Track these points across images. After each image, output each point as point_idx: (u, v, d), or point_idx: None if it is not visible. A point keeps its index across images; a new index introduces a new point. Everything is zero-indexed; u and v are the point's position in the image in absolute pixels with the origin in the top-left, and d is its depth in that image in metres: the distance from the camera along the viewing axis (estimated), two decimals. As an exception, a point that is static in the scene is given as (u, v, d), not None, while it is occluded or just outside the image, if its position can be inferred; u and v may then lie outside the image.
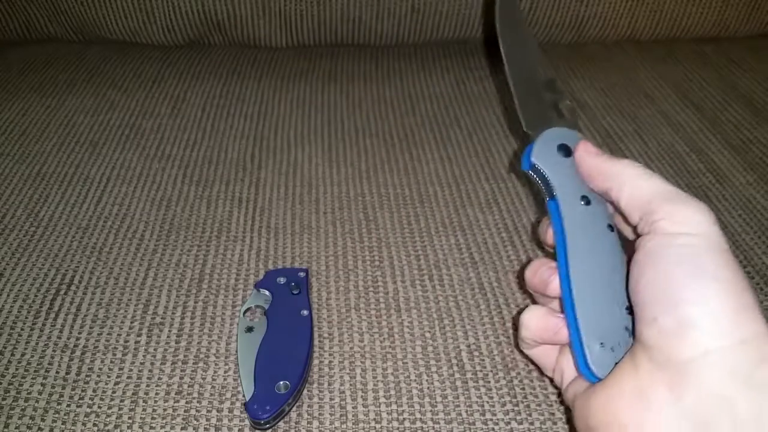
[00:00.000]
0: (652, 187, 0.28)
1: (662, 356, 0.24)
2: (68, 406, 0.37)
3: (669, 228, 0.26)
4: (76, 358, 0.39)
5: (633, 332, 0.28)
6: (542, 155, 0.32)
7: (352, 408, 0.37)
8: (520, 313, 0.34)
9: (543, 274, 0.32)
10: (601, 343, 0.28)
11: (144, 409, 0.36)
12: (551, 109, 0.35)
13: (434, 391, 0.38)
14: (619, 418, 0.25)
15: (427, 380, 0.38)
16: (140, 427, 0.36)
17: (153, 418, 0.36)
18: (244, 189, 0.55)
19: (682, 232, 0.26)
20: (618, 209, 0.30)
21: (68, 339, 0.41)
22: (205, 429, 0.35)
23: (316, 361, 0.40)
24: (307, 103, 0.68)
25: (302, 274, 0.44)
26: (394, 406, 0.37)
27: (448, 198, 0.53)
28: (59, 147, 0.60)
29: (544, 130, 0.33)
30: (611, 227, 0.30)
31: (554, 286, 0.31)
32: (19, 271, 0.46)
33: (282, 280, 0.43)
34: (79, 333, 0.41)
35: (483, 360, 0.39)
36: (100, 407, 0.36)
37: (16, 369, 0.39)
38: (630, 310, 0.28)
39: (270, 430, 0.35)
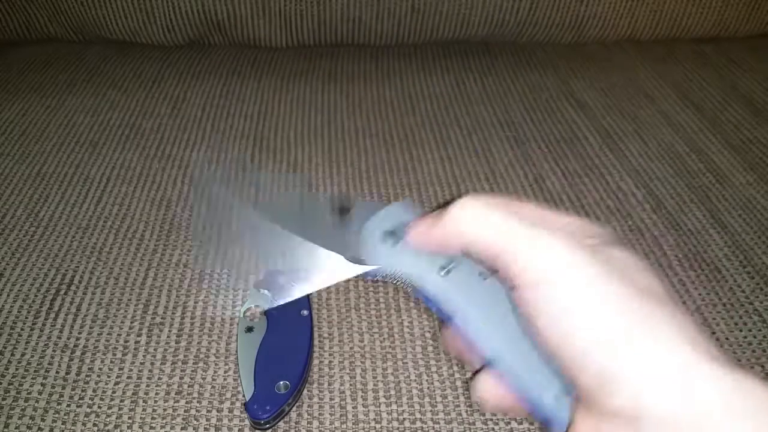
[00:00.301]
0: (486, 233, 0.24)
1: (608, 409, 0.21)
2: (68, 406, 0.37)
3: (528, 281, 0.23)
4: (76, 358, 0.39)
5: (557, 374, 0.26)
6: (375, 258, 0.27)
7: (352, 408, 0.37)
8: (472, 380, 0.31)
9: (460, 345, 0.28)
10: (554, 397, 0.25)
11: (144, 409, 0.36)
12: (339, 225, 0.31)
13: (434, 391, 0.38)
14: None
15: (427, 380, 0.38)
16: (140, 427, 0.35)
17: (153, 418, 0.36)
18: (244, 189, 0.55)
19: (543, 280, 0.22)
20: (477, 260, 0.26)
21: (68, 339, 0.41)
22: (205, 429, 0.35)
23: (316, 361, 0.40)
24: (307, 103, 0.68)
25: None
26: (394, 406, 0.37)
27: (448, 198, 0.53)
28: (59, 147, 0.60)
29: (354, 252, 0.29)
30: (483, 275, 0.27)
31: (476, 358, 0.27)
32: (19, 271, 0.46)
33: (282, 280, 0.43)
34: (79, 333, 0.41)
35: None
36: (100, 407, 0.36)
37: (16, 369, 0.39)
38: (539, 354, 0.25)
39: (270, 430, 0.35)
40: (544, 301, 0.22)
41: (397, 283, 0.28)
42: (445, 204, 0.26)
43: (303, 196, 0.33)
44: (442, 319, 0.27)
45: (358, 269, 0.28)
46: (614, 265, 0.23)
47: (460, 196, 0.28)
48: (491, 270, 0.26)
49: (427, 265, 0.27)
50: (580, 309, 0.22)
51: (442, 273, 0.27)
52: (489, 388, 0.27)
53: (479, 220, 0.25)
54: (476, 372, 0.28)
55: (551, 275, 0.22)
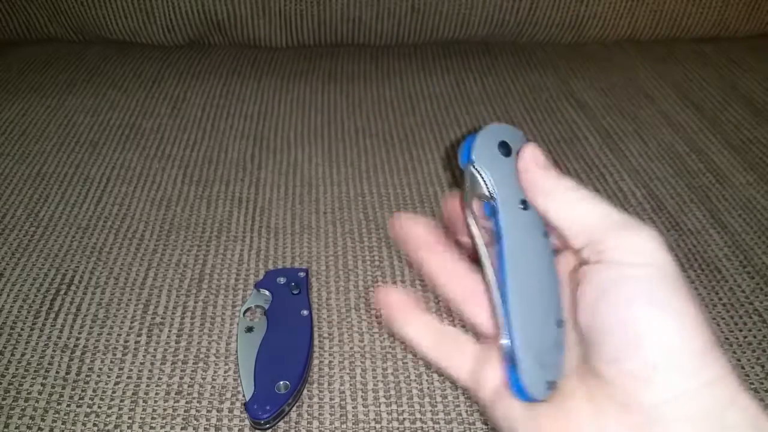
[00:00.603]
0: (598, 213, 0.26)
1: (626, 398, 0.23)
2: (68, 406, 0.37)
3: (620, 258, 0.25)
4: (76, 358, 0.39)
5: (563, 347, 0.27)
6: (482, 151, 0.29)
7: (352, 408, 0.37)
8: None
9: (467, 283, 0.29)
10: (538, 362, 0.26)
11: (144, 409, 0.36)
12: None
13: (434, 391, 0.38)
14: None
15: (427, 380, 0.38)
16: (140, 427, 0.35)
17: (153, 418, 0.36)
18: (244, 189, 0.55)
19: (634, 262, 0.24)
20: (552, 227, 0.28)
21: (68, 339, 0.41)
22: (205, 429, 0.35)
23: (316, 361, 0.40)
24: (307, 103, 0.68)
25: (302, 274, 0.44)
26: (394, 406, 0.37)
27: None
28: (59, 147, 0.60)
29: (485, 126, 0.30)
30: (546, 234, 0.29)
31: (483, 299, 0.28)
32: (19, 271, 0.46)
33: (282, 280, 0.43)
34: (79, 333, 0.41)
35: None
36: (100, 407, 0.36)
37: (16, 369, 0.39)
38: (560, 323, 0.27)
39: (270, 430, 0.35)
40: (631, 278, 0.24)
41: (479, 186, 0.29)
42: None
43: None
44: (490, 237, 0.29)
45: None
46: (686, 283, 0.25)
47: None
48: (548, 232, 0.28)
49: (515, 191, 0.29)
50: (662, 301, 0.23)
51: (521, 206, 0.28)
52: (473, 317, 0.29)
53: (587, 200, 0.26)
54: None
55: (651, 257, 0.24)
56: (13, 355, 0.40)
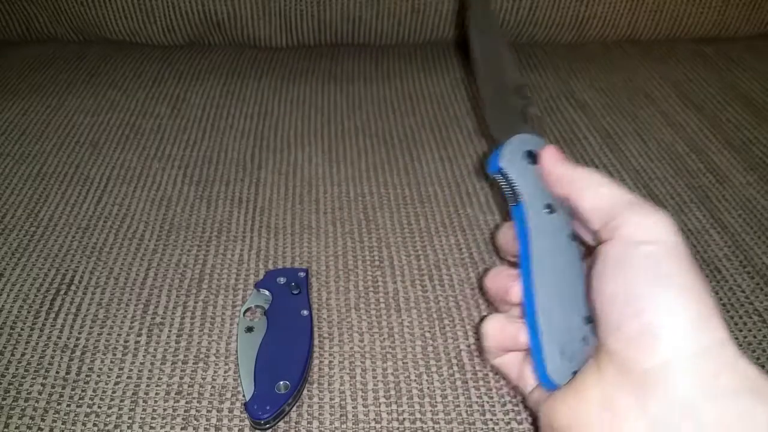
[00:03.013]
0: (614, 194, 0.28)
1: (627, 364, 0.24)
2: (68, 406, 0.37)
3: (631, 235, 0.26)
4: (76, 358, 0.39)
5: (592, 341, 0.28)
6: (509, 160, 0.32)
7: (352, 408, 0.37)
8: (481, 321, 0.34)
9: (503, 281, 0.32)
10: (561, 353, 0.28)
11: (144, 409, 0.36)
12: (519, 115, 0.35)
13: (434, 391, 0.38)
14: (585, 425, 0.25)
15: (427, 380, 0.38)
16: (140, 427, 0.36)
17: (153, 418, 0.36)
18: (244, 189, 0.55)
19: (644, 239, 0.26)
20: (579, 216, 0.30)
21: (68, 339, 0.41)
22: (205, 429, 0.35)
23: (316, 361, 0.40)
24: (307, 103, 0.68)
25: (302, 274, 0.44)
26: (394, 406, 0.37)
27: (448, 198, 0.53)
28: (59, 147, 0.60)
29: (511, 135, 0.33)
30: (573, 236, 0.31)
31: (515, 292, 0.31)
32: (19, 271, 0.46)
33: (282, 280, 0.43)
34: (79, 333, 0.41)
35: (483, 360, 0.39)
36: (100, 407, 0.36)
37: (16, 369, 0.39)
38: (588, 320, 0.29)
39: (270, 430, 0.35)
40: (640, 253, 0.25)
41: (507, 193, 0.31)
42: None
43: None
44: (516, 239, 0.31)
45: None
46: (694, 261, 0.26)
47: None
48: (588, 229, 0.30)
49: (540, 195, 0.31)
50: (666, 273, 0.25)
51: (546, 210, 0.30)
52: (498, 325, 0.32)
53: (604, 184, 0.29)
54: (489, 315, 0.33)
55: (661, 235, 0.26)
56: (13, 355, 0.40)
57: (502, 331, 0.31)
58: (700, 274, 0.25)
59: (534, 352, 0.29)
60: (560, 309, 0.29)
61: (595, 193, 0.29)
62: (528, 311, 0.30)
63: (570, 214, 0.31)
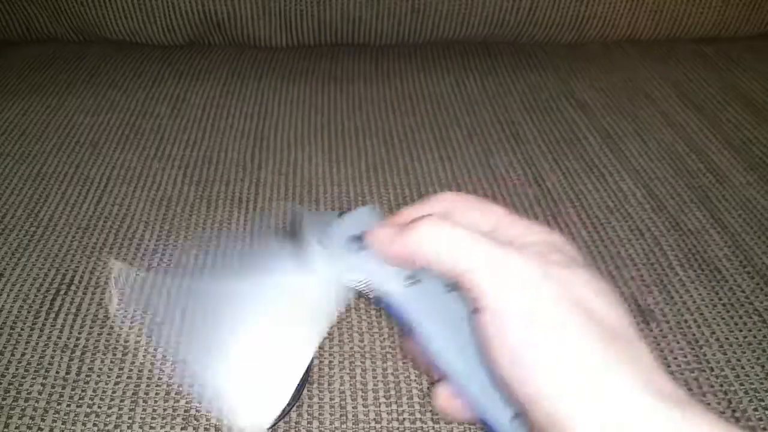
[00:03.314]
0: (449, 254, 0.23)
1: None
2: (68, 406, 0.37)
3: (485, 303, 0.22)
4: (76, 358, 0.39)
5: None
6: (337, 264, 0.26)
7: (352, 408, 0.37)
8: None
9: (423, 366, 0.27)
10: (509, 418, 0.24)
11: (144, 409, 0.36)
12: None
13: (434, 391, 0.38)
14: None
15: (427, 380, 0.38)
16: (140, 427, 0.35)
17: (153, 418, 0.36)
18: (244, 189, 0.55)
19: (500, 306, 0.22)
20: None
21: (68, 339, 0.41)
22: (205, 429, 0.35)
23: (316, 361, 0.40)
24: (307, 104, 0.68)
25: (302, 274, 0.44)
26: (394, 406, 0.37)
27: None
28: (59, 147, 0.60)
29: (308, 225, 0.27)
30: (449, 288, 0.26)
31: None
32: (19, 271, 0.46)
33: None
34: (79, 333, 0.41)
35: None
36: (100, 407, 0.36)
37: (16, 369, 0.39)
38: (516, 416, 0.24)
39: (270, 430, 0.35)
40: (501, 328, 0.22)
41: (361, 291, 0.26)
42: (414, 206, 0.26)
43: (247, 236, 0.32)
44: (403, 329, 0.26)
45: (319, 276, 0.26)
46: (577, 293, 0.22)
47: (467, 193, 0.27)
48: (455, 285, 0.25)
49: (393, 274, 0.26)
50: (537, 344, 0.21)
51: (406, 283, 0.26)
52: (447, 400, 0.27)
53: (442, 240, 0.24)
54: (436, 381, 0.27)
55: (512, 303, 0.22)
56: (13, 355, 0.40)
57: (459, 408, 0.27)
58: (566, 313, 0.21)
59: (490, 430, 0.25)
60: (485, 378, 0.24)
61: (435, 262, 0.24)
62: (468, 399, 0.25)
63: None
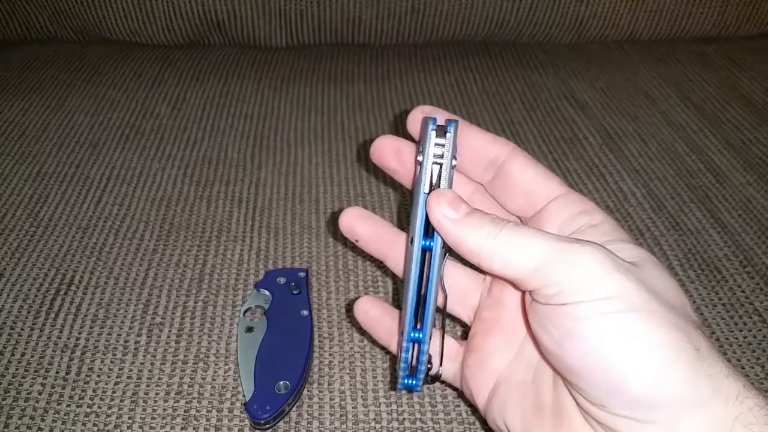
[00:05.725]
0: (533, 252, 0.23)
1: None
2: (68, 406, 0.37)
3: (572, 298, 0.22)
4: (76, 358, 0.39)
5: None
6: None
7: (352, 408, 0.37)
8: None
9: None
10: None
11: (144, 409, 0.36)
12: None
13: (434, 391, 0.38)
14: None
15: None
16: (140, 427, 0.36)
17: (153, 418, 0.36)
18: (244, 189, 0.55)
19: (589, 299, 0.22)
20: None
21: (68, 339, 0.41)
22: (205, 429, 0.35)
23: (316, 361, 0.40)
24: (307, 104, 0.68)
25: (302, 274, 0.44)
26: (394, 406, 0.37)
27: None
28: (59, 147, 0.60)
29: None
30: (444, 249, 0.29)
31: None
32: (19, 271, 0.46)
33: (282, 280, 0.43)
34: (79, 333, 0.41)
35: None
36: (100, 407, 0.36)
37: (16, 369, 0.39)
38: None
39: (270, 430, 0.35)
40: (590, 317, 0.22)
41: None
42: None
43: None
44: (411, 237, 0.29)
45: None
46: (656, 288, 0.23)
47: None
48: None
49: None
50: (629, 336, 0.21)
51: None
52: (372, 306, 0.33)
53: (518, 240, 0.24)
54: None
55: (604, 288, 0.22)
56: (13, 355, 0.40)
57: (377, 317, 0.33)
58: (662, 310, 0.22)
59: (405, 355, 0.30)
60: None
61: (506, 260, 0.24)
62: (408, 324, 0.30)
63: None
